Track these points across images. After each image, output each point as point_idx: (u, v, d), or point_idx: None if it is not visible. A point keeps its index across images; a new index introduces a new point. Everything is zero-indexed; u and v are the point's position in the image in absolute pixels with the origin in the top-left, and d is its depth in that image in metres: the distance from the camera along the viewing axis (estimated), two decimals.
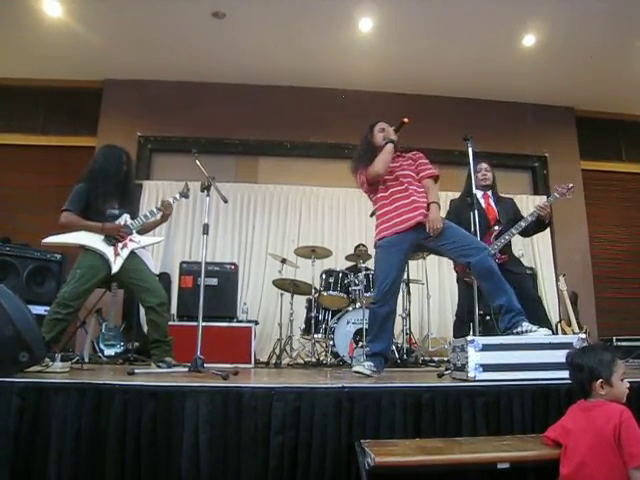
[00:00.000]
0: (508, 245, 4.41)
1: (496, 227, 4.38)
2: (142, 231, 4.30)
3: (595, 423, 2.15)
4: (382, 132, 4.04)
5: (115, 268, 3.99)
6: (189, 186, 4.50)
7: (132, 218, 4.20)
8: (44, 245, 4.08)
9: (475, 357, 2.96)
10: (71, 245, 4.03)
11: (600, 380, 2.25)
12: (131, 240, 4.13)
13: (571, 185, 4.43)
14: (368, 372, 3.51)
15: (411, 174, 3.92)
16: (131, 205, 4.34)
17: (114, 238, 4.03)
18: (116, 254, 4.01)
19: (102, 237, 4.00)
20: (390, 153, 3.85)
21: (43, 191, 7.33)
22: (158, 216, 4.34)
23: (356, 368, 3.59)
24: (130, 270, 4.07)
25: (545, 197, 7.90)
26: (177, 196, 4.41)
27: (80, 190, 4.05)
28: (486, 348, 2.99)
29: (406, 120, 3.92)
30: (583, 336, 3.06)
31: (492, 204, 4.48)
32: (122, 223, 4.12)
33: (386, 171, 3.84)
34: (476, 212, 3.86)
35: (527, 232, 4.54)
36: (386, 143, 3.86)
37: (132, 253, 4.10)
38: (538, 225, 4.49)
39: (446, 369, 3.65)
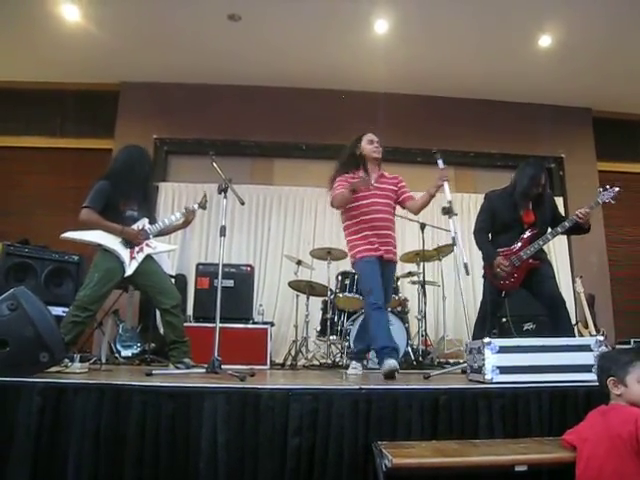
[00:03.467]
0: (541, 249, 4.34)
1: (527, 232, 4.30)
2: (161, 233, 4.32)
3: (610, 427, 2.13)
4: (371, 144, 4.31)
5: (129, 271, 3.99)
6: (207, 197, 4.46)
7: (150, 223, 4.20)
8: (62, 239, 3.98)
9: (492, 359, 2.96)
10: (89, 243, 4.01)
11: (612, 378, 2.23)
12: (147, 245, 4.13)
13: (617, 189, 4.30)
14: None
15: (387, 195, 4.25)
16: (149, 208, 4.33)
17: (131, 242, 4.04)
18: (132, 257, 4.01)
19: (120, 239, 3.99)
20: (347, 199, 4.13)
21: (61, 193, 7.39)
22: (180, 221, 4.35)
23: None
24: (145, 273, 4.08)
25: (562, 198, 7.94)
26: (195, 206, 4.38)
27: (102, 187, 4.01)
28: (503, 350, 2.98)
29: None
30: (601, 338, 3.03)
31: (531, 208, 4.38)
32: (140, 227, 4.12)
33: (340, 208, 4.27)
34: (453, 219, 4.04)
35: (564, 233, 4.44)
36: (351, 190, 4.06)
37: (147, 256, 4.11)
38: (577, 230, 4.36)
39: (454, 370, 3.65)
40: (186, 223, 4.40)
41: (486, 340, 3.00)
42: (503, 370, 2.93)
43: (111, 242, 3.98)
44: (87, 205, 3.96)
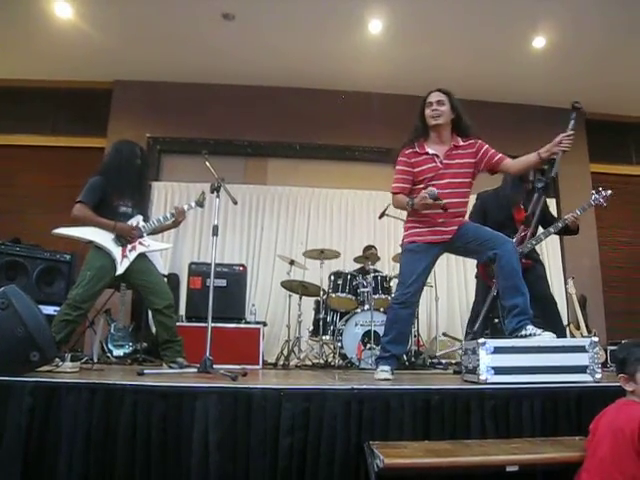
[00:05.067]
0: (533, 249, 4.36)
1: (521, 232, 4.31)
2: (154, 231, 4.29)
3: (617, 421, 2.12)
4: (429, 107, 3.73)
5: (120, 270, 3.96)
6: (205, 195, 4.37)
7: (144, 220, 4.18)
8: (54, 235, 3.94)
9: (486, 360, 2.95)
10: (80, 240, 3.97)
11: (622, 375, 2.20)
12: (140, 243, 4.10)
13: (609, 192, 4.32)
14: (392, 377, 3.43)
15: (462, 172, 3.62)
16: (144, 205, 4.31)
17: (124, 239, 4.01)
18: (123, 255, 3.99)
19: (112, 236, 3.97)
20: (404, 208, 3.67)
21: (53, 191, 7.36)
22: (170, 221, 4.33)
23: (382, 375, 3.41)
24: (138, 271, 4.05)
25: (554, 199, 7.95)
26: (192, 204, 4.35)
27: (96, 183, 4.00)
28: (498, 351, 2.98)
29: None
30: (596, 339, 3.03)
31: (522, 206, 4.39)
32: (134, 224, 4.10)
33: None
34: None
35: (557, 233, 4.48)
36: (411, 206, 3.50)
37: (140, 254, 4.08)
38: (567, 231, 4.43)
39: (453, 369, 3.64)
40: (176, 223, 4.36)
41: (481, 341, 3.00)
42: (498, 371, 2.92)
43: (103, 239, 3.95)
44: (80, 200, 3.94)
